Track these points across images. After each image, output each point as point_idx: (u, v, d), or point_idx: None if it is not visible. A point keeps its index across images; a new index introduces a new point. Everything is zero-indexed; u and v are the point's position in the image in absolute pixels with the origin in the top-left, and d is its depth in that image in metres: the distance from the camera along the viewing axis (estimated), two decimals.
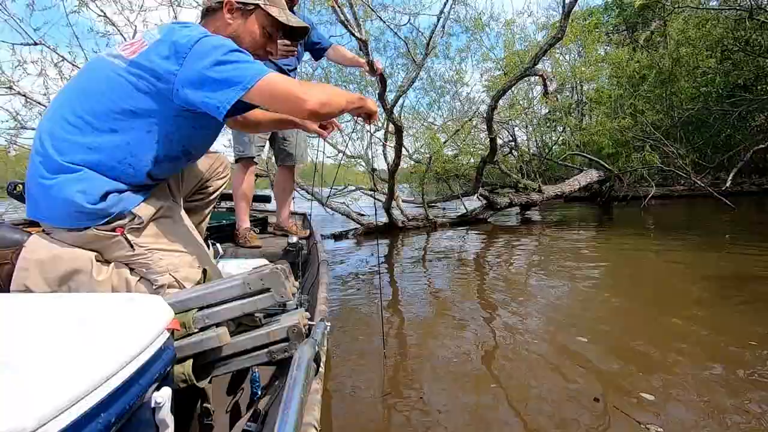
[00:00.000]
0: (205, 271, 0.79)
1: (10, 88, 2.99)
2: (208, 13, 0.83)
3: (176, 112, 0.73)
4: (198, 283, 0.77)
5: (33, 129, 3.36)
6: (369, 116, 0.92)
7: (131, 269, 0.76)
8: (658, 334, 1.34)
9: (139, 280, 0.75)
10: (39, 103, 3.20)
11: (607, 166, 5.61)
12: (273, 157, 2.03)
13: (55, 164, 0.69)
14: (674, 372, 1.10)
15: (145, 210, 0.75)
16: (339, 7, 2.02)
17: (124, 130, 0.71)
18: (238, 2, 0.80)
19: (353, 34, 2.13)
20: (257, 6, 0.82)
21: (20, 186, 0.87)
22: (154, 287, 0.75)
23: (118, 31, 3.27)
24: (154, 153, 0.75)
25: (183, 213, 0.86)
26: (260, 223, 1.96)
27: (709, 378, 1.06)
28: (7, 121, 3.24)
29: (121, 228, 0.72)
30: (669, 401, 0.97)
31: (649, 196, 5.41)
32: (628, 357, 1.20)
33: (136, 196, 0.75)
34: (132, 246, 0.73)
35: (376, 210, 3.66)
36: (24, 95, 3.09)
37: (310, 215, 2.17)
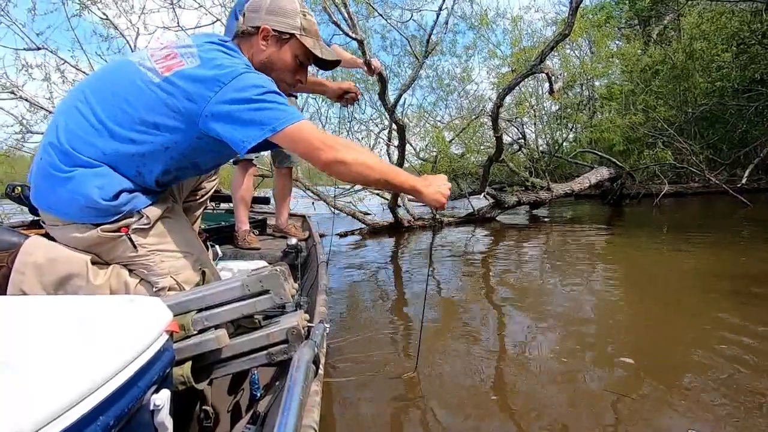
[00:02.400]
0: (204, 273, 0.80)
1: (12, 92, 3.07)
2: (243, 35, 0.83)
3: (198, 135, 0.74)
4: (197, 285, 0.77)
5: (38, 133, 3.44)
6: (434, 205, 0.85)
7: (130, 271, 0.76)
8: (680, 340, 1.30)
9: (139, 282, 0.76)
10: (42, 107, 3.27)
11: (618, 163, 5.50)
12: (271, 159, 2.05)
13: (72, 158, 0.69)
14: (705, 375, 1.06)
15: (152, 211, 0.76)
16: (329, 10, 2.02)
17: (143, 142, 0.72)
18: (275, 30, 0.81)
19: (347, 35, 2.13)
20: (293, 36, 0.82)
21: (19, 188, 0.88)
22: (154, 290, 0.76)
23: (121, 34, 3.32)
24: (166, 166, 0.76)
25: (183, 215, 0.87)
26: (259, 225, 1.97)
27: (734, 380, 1.03)
28: (12, 125, 3.33)
29: (126, 228, 0.73)
30: (704, 408, 0.94)
31: (662, 193, 5.30)
32: (650, 361, 1.15)
33: (145, 198, 0.76)
34: (135, 247, 0.73)
35: (387, 207, 3.64)
36: (27, 99, 3.16)
37: (310, 217, 2.18)
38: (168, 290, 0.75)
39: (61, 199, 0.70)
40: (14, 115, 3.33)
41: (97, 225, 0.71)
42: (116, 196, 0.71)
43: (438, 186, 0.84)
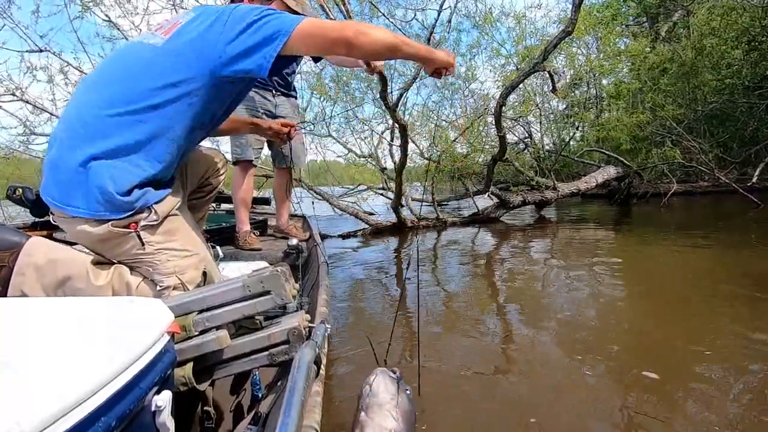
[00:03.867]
0: (205, 274, 0.80)
1: (13, 94, 3.09)
2: (233, 2, 0.90)
3: (216, 76, 0.74)
4: (198, 285, 0.78)
5: (41, 135, 3.47)
6: (438, 70, 0.89)
7: (133, 269, 0.76)
8: (689, 342, 1.28)
9: (142, 281, 0.76)
10: (45, 110, 3.30)
11: (626, 162, 5.45)
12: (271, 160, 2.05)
13: (84, 150, 0.69)
14: (712, 381, 1.05)
15: (162, 207, 0.76)
16: (326, 7, 2.01)
17: (164, 104, 0.72)
18: None
19: None
20: None
21: (20, 190, 0.89)
22: (158, 288, 0.75)
23: (123, 35, 3.34)
24: (190, 122, 0.76)
25: (189, 213, 0.87)
26: (260, 226, 1.98)
27: (744, 383, 1.02)
28: (16, 127, 3.36)
29: (136, 224, 0.72)
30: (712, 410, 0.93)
31: (670, 193, 5.24)
32: (664, 368, 1.12)
33: (157, 192, 0.75)
34: (143, 244, 0.73)
35: (390, 207, 3.64)
36: (28, 102, 3.19)
37: (310, 217, 2.18)
38: (172, 289, 0.75)
39: (74, 193, 0.69)
40: (18, 117, 3.36)
41: (109, 220, 0.70)
42: (129, 192, 0.70)
43: (443, 52, 0.90)
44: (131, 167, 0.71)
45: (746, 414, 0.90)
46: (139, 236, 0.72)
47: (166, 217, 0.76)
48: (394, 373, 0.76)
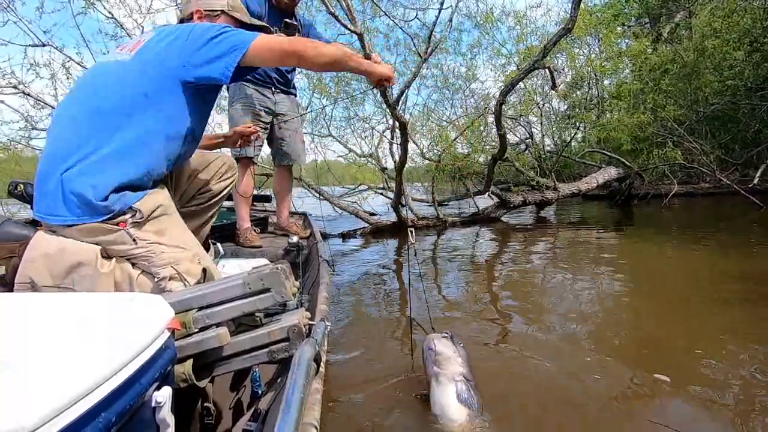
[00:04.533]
0: (204, 271, 0.80)
1: (15, 87, 3.09)
2: (183, 22, 0.99)
3: (182, 86, 0.81)
4: (198, 281, 0.78)
5: (43, 129, 3.47)
6: (379, 80, 1.03)
7: (133, 264, 0.78)
8: (691, 346, 1.27)
9: (141, 273, 0.77)
10: (47, 104, 3.29)
11: (627, 163, 5.45)
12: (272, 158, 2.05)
13: (65, 162, 0.73)
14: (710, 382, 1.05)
15: (145, 205, 0.78)
16: (327, 1, 2.01)
17: (137, 114, 0.77)
18: (205, 10, 0.96)
19: (347, 27, 2.12)
20: (222, 11, 0.98)
21: (21, 186, 0.89)
22: (156, 280, 0.77)
23: (127, 33, 3.34)
24: (164, 130, 0.80)
25: (177, 212, 0.88)
26: (261, 223, 1.98)
27: (742, 387, 1.02)
28: (18, 121, 3.36)
29: (124, 222, 0.75)
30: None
31: (671, 194, 5.23)
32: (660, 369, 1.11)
33: (135, 194, 0.78)
34: (134, 240, 0.76)
35: (390, 207, 3.64)
36: (29, 95, 3.19)
37: (311, 215, 2.19)
38: (170, 280, 0.76)
39: (56, 204, 0.73)
40: (20, 111, 3.36)
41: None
42: (106, 197, 0.74)
43: (384, 66, 1.04)
44: (108, 173, 0.74)
45: (757, 418, 0.91)
46: (129, 234, 0.75)
47: (152, 215, 0.79)
48: (448, 333, 1.00)
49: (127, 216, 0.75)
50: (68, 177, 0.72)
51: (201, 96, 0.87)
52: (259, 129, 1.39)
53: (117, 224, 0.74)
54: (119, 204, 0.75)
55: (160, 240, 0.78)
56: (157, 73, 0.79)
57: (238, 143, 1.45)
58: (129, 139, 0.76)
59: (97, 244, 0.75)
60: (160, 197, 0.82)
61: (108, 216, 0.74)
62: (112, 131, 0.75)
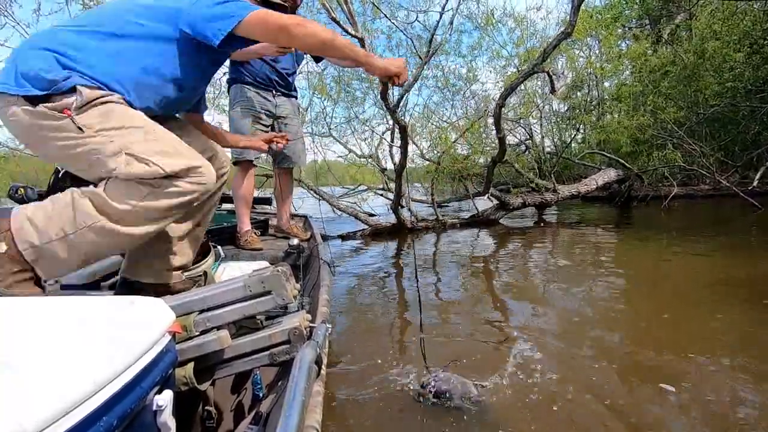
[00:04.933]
0: (205, 274, 0.80)
1: None
2: None
3: (175, 30, 0.83)
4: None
5: None
6: (389, 77, 0.96)
7: (83, 171, 0.78)
8: (690, 351, 1.27)
9: (102, 183, 0.76)
10: None
11: (626, 164, 5.46)
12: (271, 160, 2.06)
13: (40, 44, 0.76)
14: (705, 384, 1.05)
15: (90, 92, 0.76)
16: (328, 6, 2.02)
17: (127, 37, 0.80)
18: None
19: (347, 32, 2.13)
20: None
21: (22, 190, 0.89)
22: (111, 168, 0.74)
23: None
24: (143, 64, 0.81)
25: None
26: (261, 226, 1.98)
27: (739, 389, 1.02)
28: None
29: (68, 109, 0.74)
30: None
31: (670, 196, 5.24)
32: (657, 372, 1.13)
33: (84, 79, 0.76)
34: (81, 129, 0.74)
35: (389, 209, 3.64)
36: None
37: (311, 216, 2.19)
38: (126, 166, 0.74)
39: (8, 73, 0.74)
40: None
41: (35, 97, 0.73)
42: (56, 73, 0.74)
43: (389, 60, 0.96)
44: (70, 59, 0.76)
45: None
46: (73, 121, 0.74)
47: (96, 100, 0.76)
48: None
49: (71, 99, 0.73)
50: (32, 51, 0.74)
51: (191, 54, 0.87)
52: (285, 140, 1.37)
53: (61, 111, 0.73)
54: (64, 81, 0.73)
55: (106, 124, 0.75)
56: (159, 14, 0.82)
57: (269, 144, 1.39)
58: (107, 49, 0.78)
59: (39, 129, 0.74)
60: (113, 98, 0.79)
61: (50, 90, 0.72)
62: (95, 36, 0.78)
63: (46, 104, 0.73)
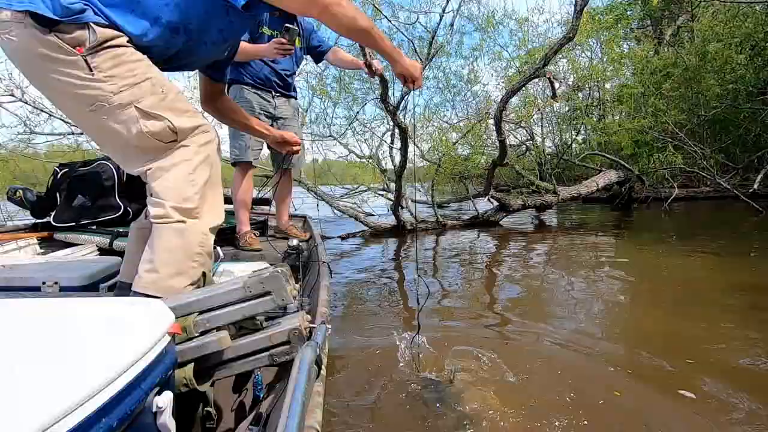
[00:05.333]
0: (204, 274, 0.79)
1: (12, 95, 3.09)
2: None
3: None
4: (198, 284, 0.77)
5: (41, 134, 3.47)
6: (405, 78, 0.96)
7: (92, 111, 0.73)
8: (686, 355, 1.25)
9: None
10: (44, 110, 3.29)
11: (627, 166, 5.46)
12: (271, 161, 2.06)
13: None
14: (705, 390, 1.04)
15: (104, 31, 0.72)
16: None
17: None
18: None
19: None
20: None
21: (20, 192, 0.89)
22: (134, 131, 0.72)
23: None
24: (162, 15, 0.77)
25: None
26: (260, 226, 1.98)
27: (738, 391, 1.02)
28: (16, 126, 3.37)
29: (81, 47, 0.70)
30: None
31: (671, 198, 5.24)
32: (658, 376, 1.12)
33: (98, 17, 0.73)
34: (91, 69, 0.70)
35: (389, 210, 3.64)
36: (26, 102, 3.19)
37: (310, 217, 2.19)
38: (139, 122, 0.72)
39: None
40: (17, 115, 3.37)
41: (48, 26, 0.68)
42: (72, 2, 0.70)
43: (412, 62, 0.96)
44: None
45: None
46: (85, 60, 0.70)
47: (110, 42, 0.73)
48: None
49: (85, 34, 0.70)
50: None
51: (221, 11, 0.82)
52: (298, 147, 1.32)
53: (74, 47, 0.69)
54: (78, 14, 0.70)
55: (116, 70, 0.72)
56: None
57: (281, 149, 1.32)
58: None
59: (49, 61, 0.69)
60: (123, 40, 0.75)
61: (65, 18, 0.68)
62: None
63: (58, 34, 0.69)
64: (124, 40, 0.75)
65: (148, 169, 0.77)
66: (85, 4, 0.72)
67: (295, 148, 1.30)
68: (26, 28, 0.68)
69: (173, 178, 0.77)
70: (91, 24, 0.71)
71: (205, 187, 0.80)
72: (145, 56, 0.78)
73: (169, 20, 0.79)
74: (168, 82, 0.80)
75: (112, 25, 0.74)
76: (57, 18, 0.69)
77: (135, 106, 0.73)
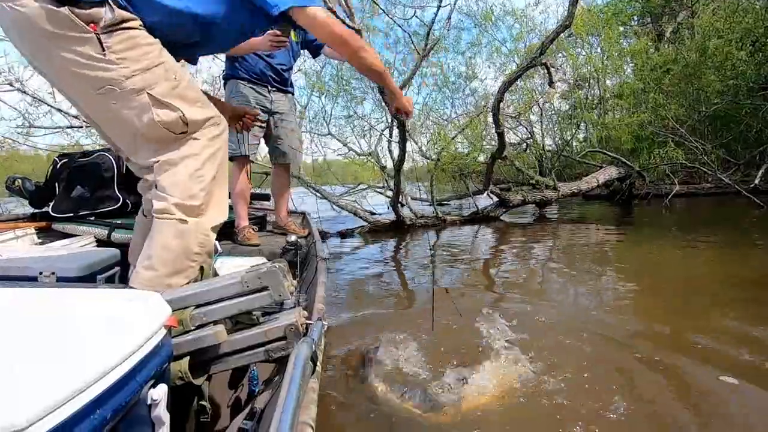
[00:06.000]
0: (202, 268, 0.79)
1: (11, 84, 3.07)
2: None
3: None
4: (197, 279, 0.77)
5: (40, 127, 3.45)
6: (397, 109, 1.11)
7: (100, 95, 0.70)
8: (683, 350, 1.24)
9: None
10: (44, 101, 3.27)
11: (627, 162, 5.46)
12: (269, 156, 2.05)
13: None
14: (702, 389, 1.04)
15: (122, 12, 0.69)
16: (328, 2, 2.00)
17: None
18: None
19: (345, 23, 2.12)
20: None
21: (19, 181, 0.88)
22: (146, 121, 0.70)
23: None
24: (185, 6, 0.76)
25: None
26: (259, 222, 1.98)
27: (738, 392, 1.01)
28: (16, 119, 3.35)
29: (95, 25, 0.67)
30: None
31: (671, 194, 5.24)
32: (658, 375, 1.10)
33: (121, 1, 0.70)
34: (103, 48, 0.67)
35: (389, 206, 3.64)
36: (26, 93, 3.16)
37: (309, 214, 2.19)
38: (153, 106, 0.70)
39: None
40: (17, 109, 3.35)
41: (66, 2, 0.65)
42: None
43: (408, 98, 1.13)
44: None
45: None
46: (99, 39, 0.67)
47: (126, 23, 0.70)
48: None
49: (102, 11, 0.67)
50: None
51: (249, 12, 0.83)
52: (257, 121, 1.28)
53: (88, 23, 0.66)
54: None
55: (129, 53, 0.69)
56: None
57: (235, 125, 1.24)
58: None
59: (60, 37, 0.65)
60: (136, 23, 0.73)
61: None
62: None
63: (73, 8, 0.65)
64: (137, 23, 0.73)
65: (156, 162, 0.75)
66: None
67: (248, 120, 1.24)
68: (36, 1, 0.64)
69: (180, 173, 0.75)
70: (110, 2, 0.69)
71: (212, 183, 0.79)
72: (158, 40, 0.76)
73: (197, 13, 0.78)
74: (180, 68, 0.78)
75: (125, 5, 0.72)
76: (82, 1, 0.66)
77: (147, 93, 0.71)
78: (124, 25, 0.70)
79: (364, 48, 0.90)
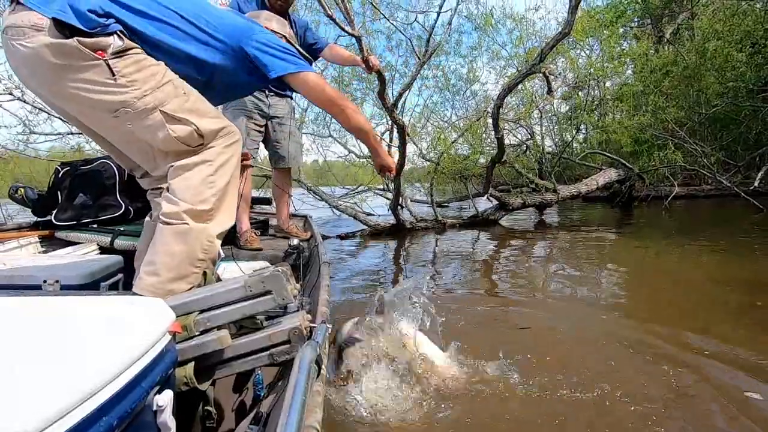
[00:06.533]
0: (204, 274, 0.79)
1: (11, 93, 3.09)
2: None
3: (236, 50, 0.87)
4: (199, 284, 0.77)
5: (41, 134, 3.47)
6: (381, 167, 1.14)
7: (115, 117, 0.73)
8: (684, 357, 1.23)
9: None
10: (43, 110, 3.29)
11: (627, 164, 5.46)
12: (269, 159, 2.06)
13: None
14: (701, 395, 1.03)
15: (128, 41, 0.72)
16: (324, 4, 2.02)
17: (188, 39, 0.81)
18: (272, 30, 1.01)
19: (344, 30, 2.13)
20: (284, 37, 1.05)
21: (22, 190, 0.89)
22: (161, 136, 0.73)
23: None
24: (187, 52, 0.81)
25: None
26: (261, 226, 1.98)
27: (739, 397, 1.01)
28: (16, 126, 3.38)
29: (103, 51, 0.69)
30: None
31: (671, 196, 5.25)
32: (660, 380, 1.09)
33: (119, 26, 0.73)
34: (113, 74, 0.69)
35: (389, 209, 3.64)
36: (26, 102, 3.19)
37: (311, 217, 2.19)
38: (168, 122, 0.72)
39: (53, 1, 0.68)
40: (17, 116, 3.37)
41: (75, 33, 0.68)
42: (99, 15, 0.70)
43: (391, 159, 1.17)
44: (116, 10, 0.73)
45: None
46: (108, 65, 0.69)
47: (133, 49, 0.73)
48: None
49: (109, 40, 0.69)
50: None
51: (247, 70, 0.90)
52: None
53: (95, 51, 0.68)
54: (108, 27, 0.69)
55: (139, 74, 0.71)
56: (227, 29, 0.86)
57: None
58: (157, 28, 0.77)
59: (72, 61, 0.67)
60: (144, 54, 0.76)
61: (91, 28, 0.68)
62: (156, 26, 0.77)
63: (80, 38, 0.67)
64: (141, 50, 0.76)
65: (170, 167, 0.77)
66: (115, 22, 0.73)
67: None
68: (44, 36, 0.66)
69: (194, 178, 0.77)
70: (118, 32, 0.72)
71: (224, 190, 0.80)
72: (162, 62, 0.79)
73: (204, 59, 0.84)
74: (188, 85, 0.81)
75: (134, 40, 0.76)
76: (87, 30, 0.68)
77: (160, 110, 0.73)
78: (130, 51, 0.73)
79: (351, 108, 0.97)
